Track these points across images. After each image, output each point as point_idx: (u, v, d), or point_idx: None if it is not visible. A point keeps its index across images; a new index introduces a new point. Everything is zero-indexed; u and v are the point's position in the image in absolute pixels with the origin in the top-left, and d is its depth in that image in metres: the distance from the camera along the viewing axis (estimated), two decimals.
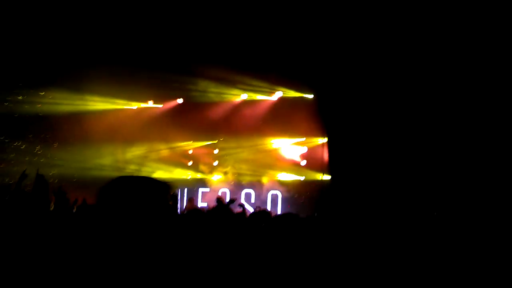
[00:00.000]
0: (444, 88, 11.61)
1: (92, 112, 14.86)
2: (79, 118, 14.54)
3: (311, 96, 14.71)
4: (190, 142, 16.51)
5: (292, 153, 15.68)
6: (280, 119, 14.90)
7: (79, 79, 13.82)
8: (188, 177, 16.79)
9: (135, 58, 13.43)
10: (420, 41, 11.51)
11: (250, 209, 12.59)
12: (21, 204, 4.58)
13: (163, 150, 16.50)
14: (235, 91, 15.28)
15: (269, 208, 14.51)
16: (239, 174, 15.81)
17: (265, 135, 15.52)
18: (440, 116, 11.66)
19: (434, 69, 11.64)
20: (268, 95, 15.34)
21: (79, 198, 6.19)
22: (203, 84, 14.70)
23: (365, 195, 11.88)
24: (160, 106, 16.19)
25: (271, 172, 15.77)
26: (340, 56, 12.62)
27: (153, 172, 16.20)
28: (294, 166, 15.61)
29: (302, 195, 14.91)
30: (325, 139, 14.51)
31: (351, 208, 11.51)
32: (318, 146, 14.87)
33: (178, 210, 13.95)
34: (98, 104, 15.05)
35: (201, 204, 15.04)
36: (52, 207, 5.26)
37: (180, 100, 16.03)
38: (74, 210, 5.70)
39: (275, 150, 15.79)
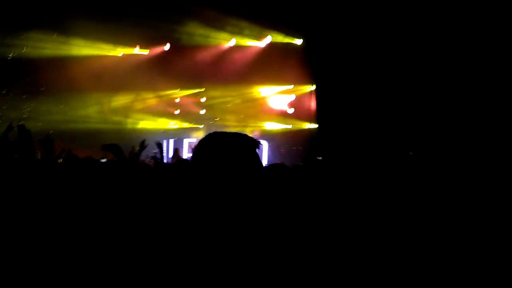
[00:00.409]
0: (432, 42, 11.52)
1: (76, 58, 14.49)
2: (62, 64, 14.15)
3: (300, 41, 14.45)
4: (177, 91, 16.30)
5: (280, 102, 15.59)
6: (269, 66, 14.63)
7: (62, 21, 13.35)
8: (175, 126, 16.74)
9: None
10: None
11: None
12: (7, 154, 4.51)
13: (150, 99, 16.31)
14: (224, 35, 14.93)
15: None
16: (225, 125, 15.73)
17: (253, 83, 15.37)
18: (425, 65, 11.60)
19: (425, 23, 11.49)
20: (257, 41, 15.02)
21: (65, 148, 6.09)
22: (191, 26, 14.27)
23: (353, 143, 11.98)
24: (146, 52, 15.85)
25: (258, 121, 15.71)
26: (331, 2, 12.37)
27: (138, 122, 16.09)
28: (281, 115, 15.57)
29: (289, 145, 14.92)
30: (313, 87, 14.36)
31: (338, 157, 11.65)
32: (306, 94, 14.74)
33: (164, 160, 14.08)
34: (83, 49, 14.67)
35: (187, 155, 14.98)
36: (39, 156, 5.18)
37: (166, 47, 15.69)
38: (60, 160, 5.60)
39: (262, 98, 15.67)
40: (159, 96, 16.30)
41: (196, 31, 14.46)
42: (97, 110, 15.75)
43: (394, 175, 5.28)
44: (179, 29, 14.41)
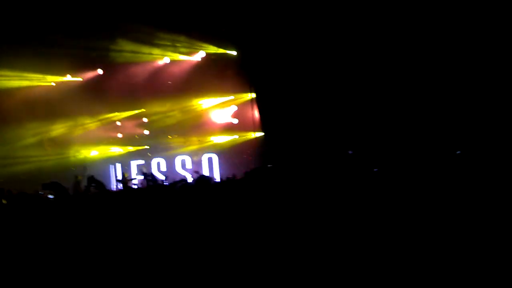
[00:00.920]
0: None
1: (5, 90, 13.98)
2: None
3: (234, 52, 14.47)
4: (116, 114, 15.94)
5: (222, 114, 15.54)
6: (206, 78, 14.65)
7: None
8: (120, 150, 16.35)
9: (46, 27, 12.61)
10: None
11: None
12: None
13: (89, 124, 15.83)
14: (156, 51, 14.74)
15: (206, 172, 14.47)
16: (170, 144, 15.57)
17: (192, 97, 15.27)
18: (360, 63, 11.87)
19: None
20: (190, 55, 14.93)
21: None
22: (121, 44, 14.04)
23: (298, 147, 12.11)
24: (79, 79, 15.41)
25: (205, 136, 15.60)
26: (262, 9, 12.47)
27: (80, 152, 15.56)
28: (226, 127, 15.53)
29: (237, 155, 14.86)
30: (253, 95, 14.38)
31: (287, 161, 11.75)
32: (247, 103, 14.75)
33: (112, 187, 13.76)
34: (11, 80, 14.11)
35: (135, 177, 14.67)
36: None
37: (100, 71, 15.33)
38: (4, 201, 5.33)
39: (205, 112, 15.55)
40: (99, 121, 15.85)
41: (127, 48, 14.21)
42: (36, 144, 15.14)
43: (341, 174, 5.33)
44: (110, 49, 14.14)
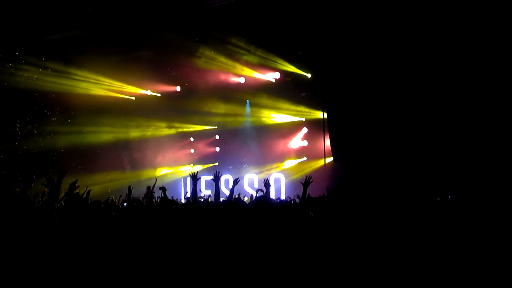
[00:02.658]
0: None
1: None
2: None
3: (309, 75, 14.56)
4: (190, 127, 16.53)
5: (294, 138, 15.60)
6: (280, 99, 14.95)
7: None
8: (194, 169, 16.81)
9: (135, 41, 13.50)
10: None
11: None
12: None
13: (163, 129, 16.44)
14: (234, 68, 15.14)
15: (273, 192, 14.50)
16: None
17: (265, 117, 15.58)
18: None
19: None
20: (265, 75, 15.21)
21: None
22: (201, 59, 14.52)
23: (370, 174, 11.91)
24: (158, 94, 16.17)
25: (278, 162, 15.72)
26: (338, 33, 12.53)
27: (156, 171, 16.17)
28: (297, 150, 15.61)
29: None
30: (325, 116, 14.30)
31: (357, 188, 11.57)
32: (319, 128, 14.66)
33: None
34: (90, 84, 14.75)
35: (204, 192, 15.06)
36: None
37: (178, 88, 16.08)
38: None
39: (276, 134, 15.63)
40: (174, 128, 16.39)
41: (205, 66, 14.66)
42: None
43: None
44: (189, 66, 14.71)
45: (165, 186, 5.89)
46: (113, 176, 15.31)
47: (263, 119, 15.55)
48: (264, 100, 15.10)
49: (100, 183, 14.59)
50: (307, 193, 5.25)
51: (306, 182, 5.24)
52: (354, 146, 13.06)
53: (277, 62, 14.51)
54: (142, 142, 16.02)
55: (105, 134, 15.04)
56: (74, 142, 13.97)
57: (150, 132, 16.12)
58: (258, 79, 15.20)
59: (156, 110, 15.78)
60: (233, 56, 14.49)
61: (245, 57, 14.45)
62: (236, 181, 5.59)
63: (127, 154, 16.44)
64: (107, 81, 14.79)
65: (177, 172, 16.56)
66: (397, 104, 12.04)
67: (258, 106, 15.45)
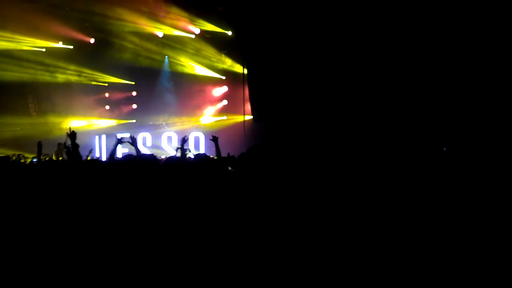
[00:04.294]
0: None
1: None
2: None
3: (229, 32, 14.40)
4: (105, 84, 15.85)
5: (213, 94, 15.51)
6: (199, 56, 14.78)
7: None
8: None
9: None
10: None
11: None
12: None
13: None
14: (151, 23, 14.64)
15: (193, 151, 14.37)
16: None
17: (184, 73, 15.32)
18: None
19: None
20: (185, 31, 14.83)
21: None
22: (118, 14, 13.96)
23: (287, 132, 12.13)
24: (70, 47, 15.21)
25: (194, 116, 15.55)
26: None
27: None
28: (216, 107, 15.53)
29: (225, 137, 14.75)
30: (245, 74, 14.28)
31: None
32: (238, 85, 14.64)
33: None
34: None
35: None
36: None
37: (92, 40, 15.23)
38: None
39: (196, 90, 15.44)
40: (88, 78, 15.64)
41: (125, 18, 14.05)
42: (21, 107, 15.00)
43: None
44: (106, 21, 13.94)
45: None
46: (19, 120, 14.59)
47: (182, 69, 15.24)
48: (183, 57, 14.77)
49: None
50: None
51: (215, 137, 5.23)
52: (273, 105, 13.18)
53: (197, 18, 14.18)
54: (51, 88, 15.10)
55: (9, 73, 14.16)
56: None
57: (60, 78, 15.18)
58: (177, 35, 14.80)
59: (69, 59, 14.89)
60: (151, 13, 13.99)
61: (162, 13, 13.98)
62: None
63: (33, 97, 15.41)
64: (10, 35, 13.82)
65: (90, 125, 15.83)
66: (317, 64, 12.21)
67: (177, 61, 15.14)
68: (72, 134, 4.77)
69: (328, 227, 3.40)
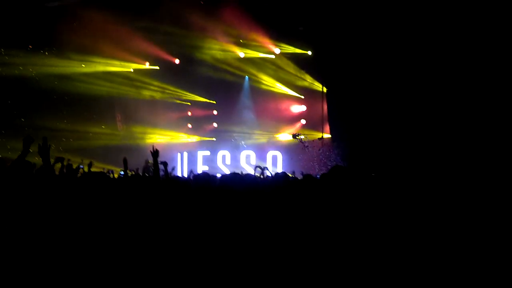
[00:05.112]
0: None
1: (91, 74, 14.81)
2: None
3: (309, 52, 14.48)
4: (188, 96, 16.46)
5: (292, 112, 15.64)
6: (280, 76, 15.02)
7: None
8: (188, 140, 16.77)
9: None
10: None
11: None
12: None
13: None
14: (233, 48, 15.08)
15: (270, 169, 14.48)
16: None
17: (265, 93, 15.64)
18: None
19: None
20: (265, 53, 15.13)
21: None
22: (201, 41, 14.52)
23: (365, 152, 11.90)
24: (157, 68, 16.00)
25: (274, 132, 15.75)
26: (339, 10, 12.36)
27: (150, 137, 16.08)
28: (294, 125, 15.62)
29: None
30: (324, 93, 14.26)
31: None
32: (318, 104, 14.64)
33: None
34: (97, 65, 14.86)
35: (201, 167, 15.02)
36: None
37: (177, 61, 15.90)
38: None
39: (275, 108, 15.63)
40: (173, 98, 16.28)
41: (208, 46, 14.56)
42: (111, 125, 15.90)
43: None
44: (189, 44, 14.53)
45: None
46: (107, 130, 15.51)
47: (262, 88, 15.51)
48: (263, 76, 15.12)
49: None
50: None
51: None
52: (352, 126, 13.01)
53: (277, 39, 14.41)
54: (137, 104, 15.81)
55: (98, 87, 14.96)
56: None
57: (146, 92, 15.96)
58: (259, 55, 15.14)
59: (154, 78, 15.71)
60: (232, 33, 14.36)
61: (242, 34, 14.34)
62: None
63: (120, 109, 16.20)
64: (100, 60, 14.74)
65: (172, 140, 16.40)
66: (396, 84, 11.94)
67: (258, 80, 15.50)
68: (155, 153, 4.98)
69: (409, 249, 3.33)
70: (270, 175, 6.67)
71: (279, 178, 4.96)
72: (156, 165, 4.86)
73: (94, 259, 3.47)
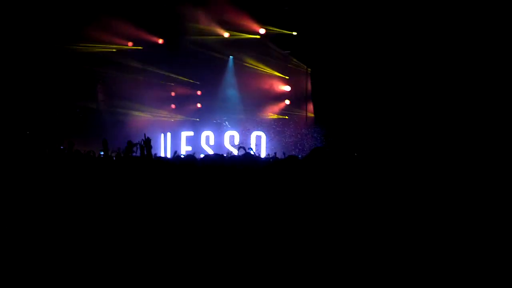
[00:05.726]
0: None
1: None
2: None
3: (294, 33, 14.45)
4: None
5: (276, 93, 15.63)
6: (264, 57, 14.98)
7: None
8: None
9: None
10: None
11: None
12: None
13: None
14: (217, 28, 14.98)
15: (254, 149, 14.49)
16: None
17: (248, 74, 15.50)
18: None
19: None
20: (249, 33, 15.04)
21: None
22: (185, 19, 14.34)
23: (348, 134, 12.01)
24: (140, 48, 15.82)
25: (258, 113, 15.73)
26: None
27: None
28: (278, 106, 15.63)
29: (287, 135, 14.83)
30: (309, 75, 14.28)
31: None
32: (302, 83, 14.67)
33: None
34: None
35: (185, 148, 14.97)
36: None
37: (160, 41, 15.75)
38: None
39: (259, 89, 15.61)
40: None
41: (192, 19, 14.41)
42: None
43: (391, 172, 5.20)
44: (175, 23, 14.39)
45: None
46: None
47: (246, 69, 15.45)
48: (248, 57, 15.08)
49: None
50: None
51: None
52: (336, 105, 13.08)
53: (262, 19, 14.34)
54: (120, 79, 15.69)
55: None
56: None
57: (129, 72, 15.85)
58: (242, 36, 15.05)
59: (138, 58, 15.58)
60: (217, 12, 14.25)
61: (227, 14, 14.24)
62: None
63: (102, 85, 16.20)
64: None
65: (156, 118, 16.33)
66: (381, 65, 12.01)
67: (242, 61, 15.40)
68: (148, 141, 4.91)
69: (390, 227, 3.38)
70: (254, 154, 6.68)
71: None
72: (149, 152, 4.81)
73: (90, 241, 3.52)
